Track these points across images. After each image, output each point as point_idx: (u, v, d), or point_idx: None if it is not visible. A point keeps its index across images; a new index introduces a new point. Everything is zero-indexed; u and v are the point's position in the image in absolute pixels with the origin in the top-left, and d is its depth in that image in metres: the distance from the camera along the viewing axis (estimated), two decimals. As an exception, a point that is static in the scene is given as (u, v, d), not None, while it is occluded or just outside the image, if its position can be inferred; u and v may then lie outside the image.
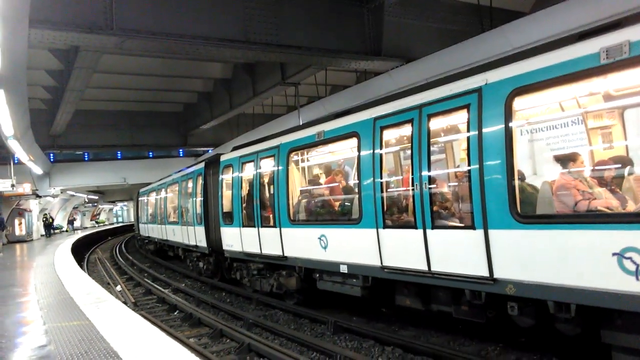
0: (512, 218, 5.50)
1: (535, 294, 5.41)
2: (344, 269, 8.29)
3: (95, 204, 64.09)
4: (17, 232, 32.10)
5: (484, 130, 5.80)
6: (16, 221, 32.33)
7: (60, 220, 49.68)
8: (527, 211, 5.62)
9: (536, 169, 6.46)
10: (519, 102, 5.71)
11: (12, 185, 26.45)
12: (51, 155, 31.68)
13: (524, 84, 5.46)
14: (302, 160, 10.40)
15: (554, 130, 6.09)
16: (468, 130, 6.04)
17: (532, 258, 5.38)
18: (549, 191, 5.69)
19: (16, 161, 25.58)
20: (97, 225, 65.65)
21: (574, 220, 5.18)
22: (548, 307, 5.40)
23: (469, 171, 6.02)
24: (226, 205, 12.66)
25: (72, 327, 6.59)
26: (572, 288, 5.00)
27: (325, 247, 8.73)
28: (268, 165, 10.65)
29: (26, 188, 28.71)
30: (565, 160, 5.72)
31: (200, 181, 15.27)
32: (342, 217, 9.05)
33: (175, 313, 11.22)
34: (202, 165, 15.43)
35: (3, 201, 29.07)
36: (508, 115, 5.58)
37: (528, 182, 6.10)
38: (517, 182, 5.58)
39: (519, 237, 5.48)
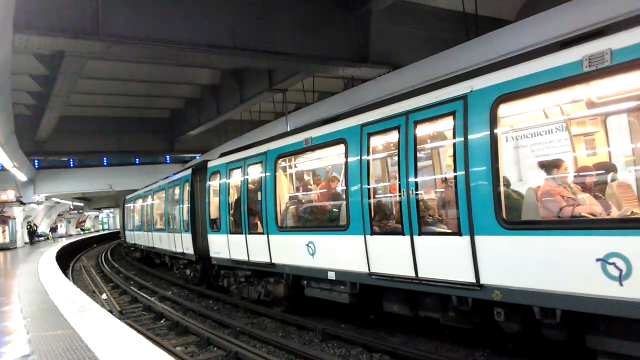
0: (498, 224, 5.54)
1: (521, 299, 5.44)
2: (331, 275, 8.28)
3: (81, 211, 63.35)
4: (1, 240, 31.59)
5: (470, 136, 5.85)
6: (-1, 229, 31.84)
7: (44, 227, 49.03)
8: (512, 217, 5.67)
9: (521, 176, 6.52)
10: (504, 109, 5.77)
11: (-5, 192, 26.12)
12: (36, 161, 31.32)
13: (509, 91, 5.52)
14: (290, 167, 10.39)
15: (539, 137, 6.17)
16: (454, 137, 6.08)
17: (517, 264, 5.43)
18: (534, 197, 5.75)
19: (0, 168, 25.24)
20: (82, 233, 64.87)
21: (558, 226, 5.24)
22: (534, 313, 5.44)
23: (455, 177, 6.06)
24: (213, 212, 12.60)
25: (56, 336, 6.49)
26: (557, 294, 5.05)
27: (313, 254, 8.71)
28: (255, 172, 10.63)
29: (10, 195, 28.38)
30: (549, 166, 5.78)
31: (187, 188, 15.18)
32: (329, 223, 9.05)
33: (162, 321, 11.10)
34: (189, 171, 15.34)
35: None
36: (493, 122, 5.64)
37: (513, 189, 6.16)
38: (502, 189, 5.63)
39: (504, 243, 5.53)
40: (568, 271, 4.96)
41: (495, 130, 5.63)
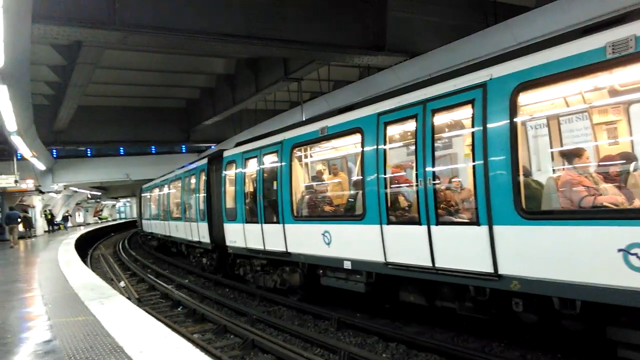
0: (517, 214, 5.47)
1: (540, 290, 5.39)
2: (347, 265, 8.28)
3: (98, 200, 64.23)
4: (21, 228, 32.17)
5: (489, 125, 5.77)
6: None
7: (61, 216, 49.80)
8: (531, 207, 5.60)
9: (541, 165, 6.44)
10: (524, 98, 5.68)
11: (16, 181, 26.51)
12: (54, 151, 31.77)
13: (529, 79, 5.42)
14: (306, 156, 10.38)
15: (559, 125, 6.07)
16: (472, 126, 6.01)
17: (537, 254, 5.36)
18: (554, 187, 5.66)
19: (19, 157, 25.66)
20: (100, 222, 65.79)
21: (579, 216, 5.16)
22: (553, 303, 5.39)
23: (474, 167, 5.98)
24: (229, 201, 12.67)
25: (77, 322, 6.61)
26: (577, 284, 4.98)
27: (328, 243, 8.72)
28: (271, 161, 10.64)
29: (29, 184, 28.77)
30: (570, 155, 5.69)
31: (203, 177, 15.27)
32: (345, 213, 9.04)
33: (179, 309, 11.24)
34: (205, 161, 15.42)
35: (6, 197, 29.12)
36: (513, 110, 5.55)
37: (533, 178, 6.07)
38: (521, 178, 5.55)
39: (523, 233, 5.46)
40: (589, 262, 4.89)
41: (515, 119, 5.54)
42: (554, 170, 5.93)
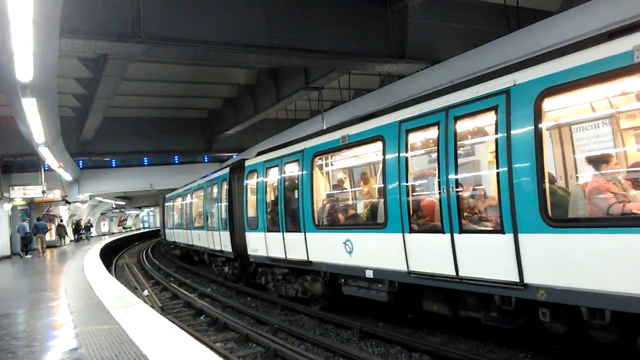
0: (543, 221, 5.36)
1: (568, 299, 5.26)
2: (369, 274, 8.22)
3: (122, 210, 65.28)
4: (48, 238, 32.88)
5: (513, 132, 5.69)
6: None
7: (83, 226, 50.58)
8: (558, 214, 5.48)
9: (568, 172, 6.31)
10: (548, 103, 5.60)
11: (43, 192, 27.16)
12: (80, 162, 32.41)
13: (554, 84, 5.33)
14: (327, 165, 10.38)
15: (586, 131, 5.95)
16: (496, 133, 5.93)
17: (564, 263, 5.24)
18: (581, 194, 5.54)
19: (47, 168, 26.26)
20: (124, 231, 66.80)
21: (608, 223, 5.03)
22: (581, 313, 5.25)
23: (498, 174, 5.90)
24: (251, 210, 12.72)
25: (102, 330, 6.69)
26: (606, 294, 4.84)
27: (350, 252, 8.68)
28: (292, 170, 10.67)
29: (56, 194, 29.41)
30: (597, 162, 5.56)
31: (225, 186, 15.40)
32: (367, 221, 8.99)
33: (202, 317, 11.30)
34: (226, 170, 15.56)
35: (34, 207, 29.80)
36: (537, 116, 5.46)
37: (559, 185, 5.96)
38: (547, 185, 5.45)
39: (550, 241, 5.34)
40: (618, 270, 4.75)
41: (539, 125, 5.45)
42: (581, 177, 5.80)
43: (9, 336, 6.94)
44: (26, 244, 24.73)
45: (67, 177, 28.80)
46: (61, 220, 34.52)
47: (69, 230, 38.04)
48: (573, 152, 6.54)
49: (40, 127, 14.27)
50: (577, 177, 6.38)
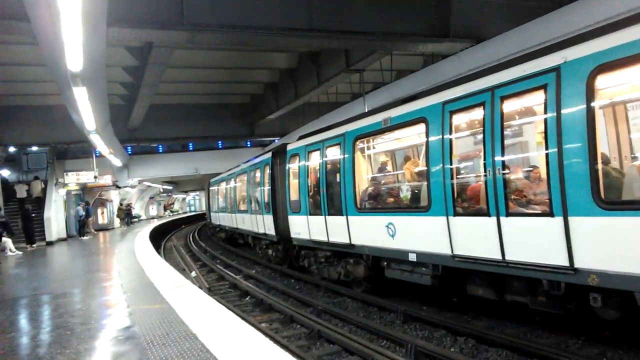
0: (595, 204, 5.16)
1: (621, 284, 5.07)
2: (412, 257, 8.17)
3: (170, 194, 67.25)
4: (100, 221, 34.41)
5: (563, 111, 5.47)
6: (99, 210, 34.69)
7: (138, 209, 52.54)
8: (611, 197, 5.26)
9: (622, 152, 6.02)
10: (602, 81, 5.33)
11: (95, 177, 28.35)
12: (129, 148, 33.57)
13: (609, 61, 5.07)
14: (369, 148, 10.31)
15: (643, 109, 5.65)
16: (545, 112, 5.72)
17: (617, 247, 5.04)
18: (637, 175, 5.30)
19: (98, 154, 27.33)
20: (171, 215, 68.91)
21: (666, 206, 4.79)
22: (635, 299, 5.05)
23: (547, 155, 5.70)
24: (293, 193, 12.84)
25: (153, 310, 6.96)
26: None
27: (393, 235, 8.64)
28: (334, 154, 10.66)
29: (107, 179, 30.60)
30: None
31: (267, 170, 15.57)
32: (410, 204, 8.91)
33: (247, 298, 11.56)
34: (269, 155, 15.71)
35: (87, 192, 31.18)
36: (590, 94, 5.22)
37: (613, 166, 5.70)
38: (600, 166, 5.22)
39: (602, 225, 5.14)
40: (677, 255, 4.53)
41: (592, 104, 5.21)
42: (637, 157, 5.53)
43: (66, 314, 7.33)
44: (82, 226, 26.06)
45: (117, 162, 29.86)
46: (121, 205, 36.25)
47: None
48: (628, 131, 6.23)
49: (91, 115, 14.82)
50: (632, 158, 6.09)
